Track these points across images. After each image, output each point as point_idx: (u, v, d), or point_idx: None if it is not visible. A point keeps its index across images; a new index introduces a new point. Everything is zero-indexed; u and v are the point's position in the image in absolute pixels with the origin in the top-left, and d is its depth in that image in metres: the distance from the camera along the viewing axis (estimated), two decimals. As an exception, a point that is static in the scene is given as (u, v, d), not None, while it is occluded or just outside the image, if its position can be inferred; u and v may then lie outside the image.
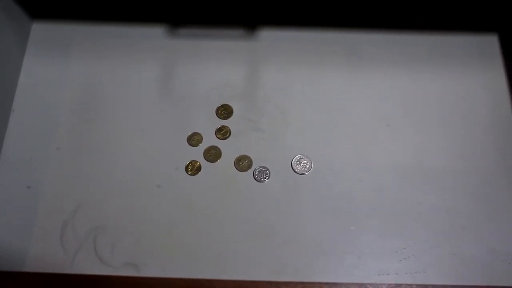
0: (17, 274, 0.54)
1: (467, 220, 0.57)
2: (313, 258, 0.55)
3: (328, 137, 0.61)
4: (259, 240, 0.56)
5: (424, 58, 0.65)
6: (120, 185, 0.58)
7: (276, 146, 0.60)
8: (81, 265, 0.55)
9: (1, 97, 0.61)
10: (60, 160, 0.60)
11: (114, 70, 0.65)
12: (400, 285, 0.53)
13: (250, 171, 0.59)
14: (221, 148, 0.60)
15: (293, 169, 0.59)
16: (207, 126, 0.62)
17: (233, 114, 0.62)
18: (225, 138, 0.61)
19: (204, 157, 0.60)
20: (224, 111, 0.62)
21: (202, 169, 0.59)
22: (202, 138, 0.61)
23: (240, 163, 0.59)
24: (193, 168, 0.59)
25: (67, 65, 0.65)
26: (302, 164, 0.59)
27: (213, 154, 0.60)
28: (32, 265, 0.55)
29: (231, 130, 0.61)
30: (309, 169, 0.59)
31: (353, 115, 0.62)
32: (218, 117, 0.62)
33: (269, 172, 0.59)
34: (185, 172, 0.59)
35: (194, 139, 0.61)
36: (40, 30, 0.67)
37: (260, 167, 0.59)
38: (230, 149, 0.60)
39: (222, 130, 0.61)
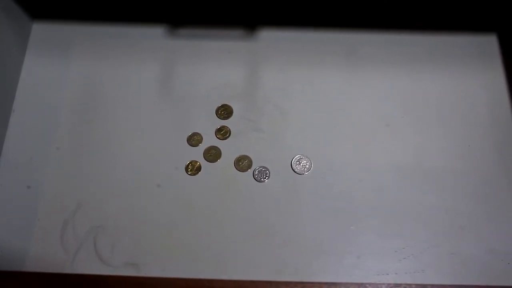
0: (17, 274, 0.54)
1: (466, 220, 0.57)
2: (313, 258, 0.55)
3: (328, 137, 0.61)
4: (259, 240, 0.56)
5: (424, 58, 0.65)
6: (120, 185, 0.58)
7: (276, 146, 0.60)
8: (81, 265, 0.55)
9: (2, 97, 0.61)
10: (60, 160, 0.60)
11: (114, 70, 0.65)
12: (400, 284, 0.53)
13: (250, 171, 0.59)
14: (221, 148, 0.60)
15: (293, 169, 0.59)
16: (207, 126, 0.62)
17: (233, 114, 0.62)
18: (225, 138, 0.61)
19: (204, 157, 0.60)
20: (224, 111, 0.62)
21: (202, 169, 0.59)
22: (202, 138, 0.61)
23: (240, 163, 0.60)
24: (193, 168, 0.59)
25: (67, 65, 0.65)
26: (302, 164, 0.59)
27: (213, 154, 0.60)
28: (32, 265, 0.55)
29: (231, 130, 0.61)
30: (308, 169, 0.59)
31: (353, 115, 0.62)
32: (218, 117, 0.62)
33: (269, 172, 0.59)
34: (185, 172, 0.59)
35: (194, 139, 0.61)
36: (40, 30, 0.67)
37: (260, 167, 0.59)
38: (230, 149, 0.60)
39: (222, 130, 0.61)
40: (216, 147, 0.60)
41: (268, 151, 0.60)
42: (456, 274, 0.54)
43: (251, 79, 0.64)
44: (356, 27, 0.67)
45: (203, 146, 0.61)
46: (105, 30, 0.67)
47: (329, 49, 0.66)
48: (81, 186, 0.58)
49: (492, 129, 0.61)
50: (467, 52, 0.65)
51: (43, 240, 0.56)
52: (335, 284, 0.53)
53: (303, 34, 0.67)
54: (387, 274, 0.54)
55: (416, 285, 0.53)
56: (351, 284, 0.53)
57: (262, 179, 0.59)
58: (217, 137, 0.61)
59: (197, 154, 0.60)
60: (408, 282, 0.54)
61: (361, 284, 0.53)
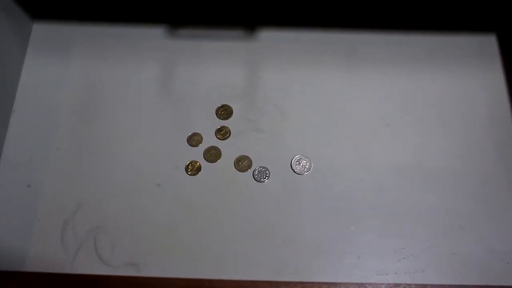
0: (17, 274, 0.54)
1: (466, 220, 0.57)
2: (312, 258, 0.55)
3: (327, 137, 0.61)
4: (259, 240, 0.56)
5: (424, 58, 0.65)
6: (120, 185, 0.59)
7: (276, 146, 0.60)
8: (81, 265, 0.55)
9: (2, 98, 0.61)
10: (61, 160, 0.60)
11: (114, 70, 0.65)
12: (399, 284, 0.53)
13: (250, 171, 0.59)
14: (221, 149, 0.60)
15: (292, 169, 0.59)
16: (207, 126, 0.62)
17: (233, 114, 0.62)
18: (225, 139, 0.61)
19: (204, 157, 0.60)
20: (224, 112, 0.62)
21: (202, 169, 0.59)
22: (202, 139, 0.61)
23: (240, 163, 0.60)
24: (193, 168, 0.59)
25: (67, 66, 0.65)
26: (301, 164, 0.59)
27: (213, 155, 0.60)
28: (32, 265, 0.55)
29: (231, 130, 0.61)
30: (308, 169, 0.59)
31: (353, 115, 0.62)
32: (218, 117, 0.62)
33: (269, 172, 0.59)
34: (185, 172, 0.59)
35: (194, 140, 0.61)
36: (40, 30, 0.67)
37: (260, 167, 0.59)
38: (230, 149, 0.60)
39: (222, 130, 0.61)
40: (216, 147, 0.60)
41: (268, 151, 0.60)
42: (456, 274, 0.54)
43: (251, 79, 0.64)
44: (356, 27, 0.67)
45: (203, 146, 0.61)
46: (105, 30, 0.67)
47: (329, 49, 0.66)
48: (81, 186, 0.58)
49: (492, 129, 0.61)
50: (467, 52, 0.65)
51: (43, 240, 0.56)
52: (335, 284, 0.53)
53: (303, 34, 0.67)
54: (387, 274, 0.54)
55: (416, 285, 0.53)
56: (351, 284, 0.53)
57: (262, 179, 0.59)
58: (217, 137, 0.61)
59: (197, 154, 0.60)
60: (408, 282, 0.54)
61: (361, 284, 0.53)
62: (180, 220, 0.57)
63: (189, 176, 0.59)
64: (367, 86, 0.64)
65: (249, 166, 0.59)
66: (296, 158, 0.60)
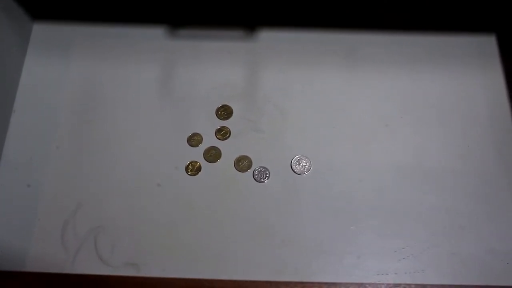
0: (17, 274, 0.54)
1: (466, 220, 0.57)
2: (312, 258, 0.55)
3: (327, 137, 0.61)
4: (259, 240, 0.56)
5: (424, 58, 0.65)
6: (120, 185, 0.59)
7: (276, 147, 0.61)
8: (81, 265, 0.55)
9: (2, 98, 0.61)
10: (61, 160, 0.60)
11: (114, 70, 0.65)
12: (399, 284, 0.53)
13: (250, 171, 0.59)
14: (221, 149, 0.60)
15: (292, 170, 0.59)
16: (207, 126, 0.62)
17: (233, 114, 0.62)
18: (225, 139, 0.61)
19: (204, 157, 0.60)
20: (224, 112, 0.62)
21: (202, 169, 0.59)
22: (202, 139, 0.61)
23: (240, 163, 0.60)
24: (193, 169, 0.60)
25: (67, 66, 0.65)
26: (301, 164, 0.59)
27: (213, 155, 0.60)
28: (32, 265, 0.55)
29: (231, 130, 0.61)
30: (308, 169, 0.59)
31: (353, 115, 0.62)
32: (218, 117, 0.62)
33: (269, 173, 0.59)
34: (185, 173, 0.59)
35: (194, 140, 0.61)
36: (41, 31, 0.67)
37: (260, 167, 0.59)
38: (230, 150, 0.60)
39: (222, 130, 0.61)
40: (216, 147, 0.61)
41: (268, 151, 0.60)
42: (456, 274, 0.54)
43: (251, 79, 0.64)
44: (356, 27, 0.67)
45: (203, 147, 0.61)
46: (105, 30, 0.67)
47: (329, 49, 0.66)
48: (81, 186, 0.58)
49: (492, 129, 0.61)
50: (467, 52, 0.65)
51: (43, 240, 0.56)
52: (335, 284, 0.53)
53: (302, 34, 0.67)
54: (387, 274, 0.54)
55: (416, 285, 0.53)
56: (351, 284, 0.54)
57: (262, 179, 0.59)
58: (217, 138, 0.61)
59: (197, 154, 0.60)
60: (408, 282, 0.54)
61: (361, 284, 0.53)
62: (180, 220, 0.57)
63: (189, 176, 0.59)
64: (367, 86, 0.64)
65: (249, 166, 0.59)
66: (296, 158, 0.60)
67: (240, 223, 0.57)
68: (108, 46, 0.66)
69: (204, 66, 0.65)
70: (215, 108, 0.63)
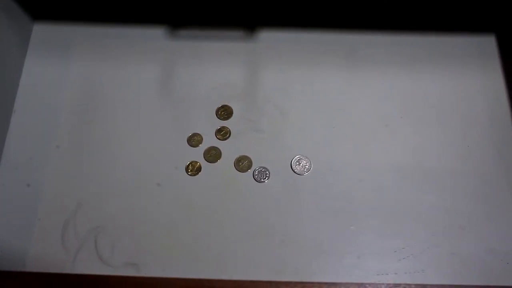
0: (17, 274, 0.54)
1: (466, 220, 0.57)
2: (312, 258, 0.55)
3: (327, 137, 0.61)
4: (259, 240, 0.56)
5: (424, 58, 0.65)
6: (120, 185, 0.59)
7: (276, 147, 0.61)
8: (81, 265, 0.55)
9: (3, 98, 0.61)
10: (61, 160, 0.60)
11: (114, 71, 0.65)
12: (399, 284, 0.53)
13: (250, 171, 0.59)
14: (221, 149, 0.60)
15: (292, 170, 0.59)
16: (207, 126, 0.62)
17: (233, 114, 0.62)
18: (225, 139, 0.61)
19: (204, 157, 0.60)
20: (224, 112, 0.62)
21: (202, 169, 0.59)
22: (202, 139, 0.61)
23: (240, 163, 0.60)
24: (193, 169, 0.60)
25: (67, 66, 0.65)
26: (301, 164, 0.59)
27: (213, 155, 0.60)
28: (32, 265, 0.55)
29: (231, 130, 0.61)
30: (308, 170, 0.59)
31: (353, 115, 0.62)
32: (218, 117, 0.62)
33: (269, 173, 0.59)
34: (185, 173, 0.59)
35: (194, 140, 0.61)
36: (41, 31, 0.67)
37: (260, 167, 0.59)
38: (230, 150, 0.60)
39: (222, 130, 0.61)
40: (216, 147, 0.61)
41: (268, 152, 0.60)
42: (456, 274, 0.54)
43: (251, 79, 0.64)
44: (356, 28, 0.67)
45: (203, 147, 0.61)
46: (105, 31, 0.67)
47: (329, 50, 0.66)
48: (81, 186, 0.59)
49: (492, 129, 0.61)
50: (467, 52, 0.65)
51: (44, 240, 0.56)
52: (335, 284, 0.53)
53: (302, 34, 0.67)
54: (387, 274, 0.54)
55: (416, 285, 0.53)
56: (351, 284, 0.54)
57: (262, 180, 0.59)
58: (217, 138, 0.61)
59: (197, 154, 0.60)
60: (408, 282, 0.54)
61: (361, 284, 0.53)
62: (180, 220, 0.57)
63: (189, 176, 0.59)
64: (367, 86, 0.64)
65: (249, 166, 0.59)
66: (296, 158, 0.60)
67: (240, 223, 0.57)
68: (108, 46, 0.66)
69: (204, 66, 0.65)
70: (215, 108, 0.63)
